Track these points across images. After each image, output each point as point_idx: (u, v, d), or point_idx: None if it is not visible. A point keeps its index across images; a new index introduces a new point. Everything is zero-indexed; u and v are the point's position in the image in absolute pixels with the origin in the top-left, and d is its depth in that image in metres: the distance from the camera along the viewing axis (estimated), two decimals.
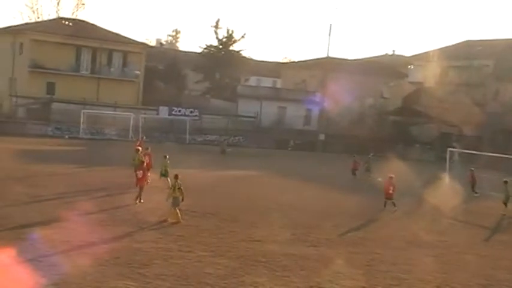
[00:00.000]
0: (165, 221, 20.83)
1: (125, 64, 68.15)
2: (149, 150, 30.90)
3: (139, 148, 29.97)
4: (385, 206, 27.49)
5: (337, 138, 62.80)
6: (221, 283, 14.49)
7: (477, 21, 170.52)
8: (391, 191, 27.39)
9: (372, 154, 42.86)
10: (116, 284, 13.81)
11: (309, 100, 67.78)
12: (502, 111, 60.08)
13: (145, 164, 27.05)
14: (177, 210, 21.07)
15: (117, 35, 69.42)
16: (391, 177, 27.84)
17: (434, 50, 75.72)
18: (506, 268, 18.60)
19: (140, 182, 24.59)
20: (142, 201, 23.88)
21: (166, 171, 28.44)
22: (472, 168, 35.86)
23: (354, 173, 40.06)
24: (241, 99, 69.25)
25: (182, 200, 21.42)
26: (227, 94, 74.00)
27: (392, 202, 27.40)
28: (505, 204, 29.31)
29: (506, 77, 64.82)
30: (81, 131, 57.11)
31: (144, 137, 35.71)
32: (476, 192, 34.57)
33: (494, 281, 16.85)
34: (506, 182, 29.89)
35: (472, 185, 35.24)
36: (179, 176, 21.68)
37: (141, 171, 24.85)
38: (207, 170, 37.31)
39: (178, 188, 21.32)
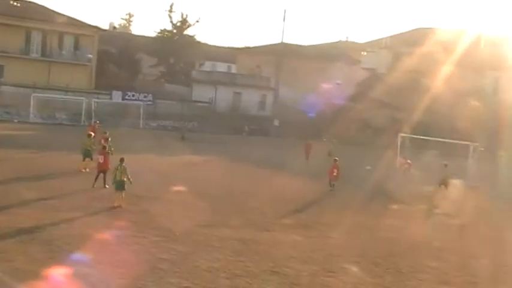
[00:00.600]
0: (114, 207, 20.57)
1: (76, 47, 67.00)
2: (107, 134, 30.58)
3: (92, 133, 29.54)
4: (330, 185, 29.26)
5: (291, 123, 63.09)
6: (175, 268, 14.47)
7: (428, 10, 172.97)
8: (335, 173, 29.17)
9: (334, 139, 43.60)
10: (69, 270, 13.66)
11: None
12: (451, 98, 61.19)
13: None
14: (122, 195, 20.81)
15: (68, 17, 68.05)
16: (335, 160, 29.79)
17: (386, 37, 76.56)
18: (454, 249, 19.03)
19: (103, 167, 24.19)
20: (107, 186, 23.41)
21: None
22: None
23: (307, 157, 40.58)
24: (196, 85, 68.98)
25: (130, 182, 21.10)
26: (181, 79, 73.62)
27: (333, 184, 29.21)
28: (443, 186, 30.35)
29: (456, 63, 65.99)
30: (31, 115, 55.97)
31: (98, 122, 35.17)
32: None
33: (440, 263, 17.22)
34: (445, 166, 31.24)
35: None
36: (124, 160, 21.43)
37: (102, 156, 24.56)
38: (162, 155, 37.09)
39: (123, 172, 20.96)
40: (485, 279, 16.13)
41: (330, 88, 69.94)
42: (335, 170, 29.22)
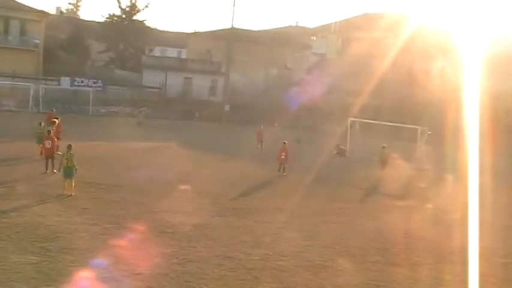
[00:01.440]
0: (63, 194, 20.29)
1: (23, 33, 65.48)
2: (59, 120, 30.47)
3: (56, 120, 29.25)
4: (279, 170, 29.37)
5: (242, 109, 63.16)
6: (127, 255, 14.45)
7: None
8: (283, 156, 29.42)
9: (301, 126, 43.57)
10: (18, 258, 13.52)
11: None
12: (399, 82, 62.24)
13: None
14: (72, 182, 20.53)
15: (13, 1, 66.41)
16: (284, 143, 30.01)
17: (335, 22, 77.14)
18: (402, 231, 19.50)
19: (49, 152, 24.27)
20: (55, 171, 23.33)
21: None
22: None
23: (259, 143, 39.77)
24: (146, 70, 68.34)
25: (76, 171, 20.78)
26: (131, 65, 72.80)
27: (283, 167, 29.43)
28: (382, 167, 31.70)
29: (404, 48, 67.05)
30: None
31: (54, 110, 34.65)
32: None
33: (390, 245, 17.65)
34: (384, 148, 32.56)
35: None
36: (72, 147, 21.24)
37: (49, 141, 24.55)
38: (113, 142, 36.74)
39: (69, 159, 20.66)
40: (431, 259, 16.57)
41: (281, 73, 70.34)
42: (283, 153, 29.41)
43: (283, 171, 29.42)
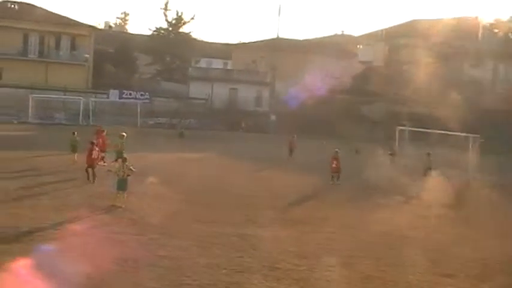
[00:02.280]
0: (113, 206, 20.46)
1: (73, 47, 67.10)
2: (104, 132, 31.08)
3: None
4: (332, 180, 29.01)
5: (288, 118, 63.05)
6: (174, 265, 14.52)
7: (423, 1, 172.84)
8: (334, 165, 28.97)
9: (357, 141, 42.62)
10: (66, 268, 13.71)
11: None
12: (449, 89, 61.25)
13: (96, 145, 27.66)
14: (124, 195, 20.71)
15: (65, 17, 68.20)
16: (336, 152, 29.59)
17: (382, 30, 76.57)
18: (454, 243, 19.09)
19: (90, 161, 25.03)
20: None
21: (120, 152, 28.26)
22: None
23: (290, 153, 39.38)
24: (192, 82, 69.04)
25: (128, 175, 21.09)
26: (178, 76, 73.69)
27: (337, 175, 28.99)
28: (426, 174, 31.26)
29: (452, 54, 66.07)
30: (30, 115, 56.07)
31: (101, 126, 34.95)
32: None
33: (442, 255, 17.28)
34: (428, 155, 32.18)
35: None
36: (127, 159, 21.47)
37: (91, 151, 25.29)
38: (160, 153, 37.14)
39: (126, 172, 20.87)
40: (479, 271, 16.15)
41: (315, 80, 69.93)
42: (334, 162, 29.05)
43: (337, 180, 29.05)
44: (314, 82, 67.69)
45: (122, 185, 20.76)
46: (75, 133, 31.56)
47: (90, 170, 24.86)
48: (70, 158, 29.70)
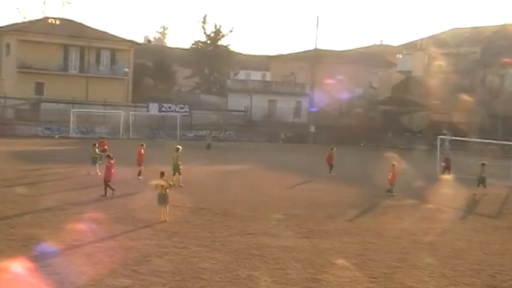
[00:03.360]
0: (164, 221, 20.33)
1: (113, 62, 68.09)
2: (143, 146, 31.43)
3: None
4: (388, 191, 28.97)
5: (328, 129, 62.92)
6: (216, 278, 14.55)
7: (463, 9, 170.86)
8: (390, 177, 28.96)
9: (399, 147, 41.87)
10: (111, 282, 13.84)
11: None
12: (490, 97, 60.37)
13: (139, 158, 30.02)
14: (166, 209, 20.68)
15: (104, 33, 69.31)
16: (393, 165, 29.41)
17: (421, 39, 75.89)
18: (497, 253, 18.76)
19: (106, 175, 25.10)
20: (109, 195, 24.60)
21: (177, 165, 28.73)
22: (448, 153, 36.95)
23: (330, 168, 36.47)
24: (231, 94, 69.35)
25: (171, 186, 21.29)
26: (217, 89, 74.16)
27: (390, 188, 28.90)
28: (480, 185, 30.51)
29: (493, 63, 65.09)
30: (71, 130, 56.99)
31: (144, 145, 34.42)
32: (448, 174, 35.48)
33: (486, 266, 16.99)
34: (483, 165, 31.12)
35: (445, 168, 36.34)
36: (165, 174, 21.47)
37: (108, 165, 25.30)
38: (199, 165, 37.31)
39: (165, 186, 20.83)
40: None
41: (366, 92, 69.68)
42: (390, 174, 29.09)
43: (388, 192, 28.95)
44: (352, 92, 67.51)
45: (162, 199, 20.75)
46: (96, 144, 32.37)
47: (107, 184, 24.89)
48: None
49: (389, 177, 29.01)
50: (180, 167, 28.78)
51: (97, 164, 30.98)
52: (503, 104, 58.31)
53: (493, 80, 65.82)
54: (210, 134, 55.83)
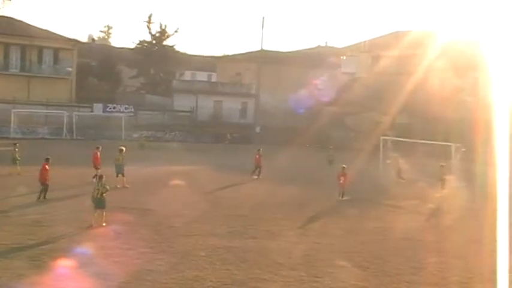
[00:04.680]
0: (99, 226, 19.61)
1: (56, 61, 66.81)
2: (99, 150, 31.08)
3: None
4: (340, 195, 28.21)
5: (274, 130, 63.26)
6: (162, 279, 14.50)
7: (405, 13, 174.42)
8: (341, 181, 28.09)
9: (331, 146, 41.99)
10: (55, 284, 13.65)
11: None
12: (430, 100, 61.71)
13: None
14: (103, 213, 19.86)
15: (47, 31, 67.88)
16: (343, 168, 28.59)
17: (365, 41, 77.06)
18: (437, 251, 19.21)
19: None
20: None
21: (121, 165, 28.61)
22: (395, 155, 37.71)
23: (256, 169, 34.91)
24: (177, 94, 69.04)
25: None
26: (162, 89, 73.65)
27: (343, 192, 28.22)
28: (441, 186, 31.34)
29: (433, 66, 66.60)
30: (11, 130, 55.68)
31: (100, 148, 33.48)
32: (403, 179, 35.92)
33: (426, 264, 17.39)
34: (442, 166, 31.94)
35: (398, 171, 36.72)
36: (103, 178, 20.68)
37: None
38: (144, 166, 37.00)
39: (101, 190, 20.06)
40: (468, 278, 16.26)
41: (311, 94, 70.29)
42: (342, 178, 28.12)
43: (343, 196, 28.16)
44: (297, 94, 68.00)
45: (98, 204, 19.93)
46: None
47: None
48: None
49: (341, 181, 28.17)
50: (124, 168, 28.58)
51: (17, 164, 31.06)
52: (445, 106, 59.70)
53: (433, 83, 67.37)
54: (143, 135, 55.97)
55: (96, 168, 29.28)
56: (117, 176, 28.28)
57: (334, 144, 51.70)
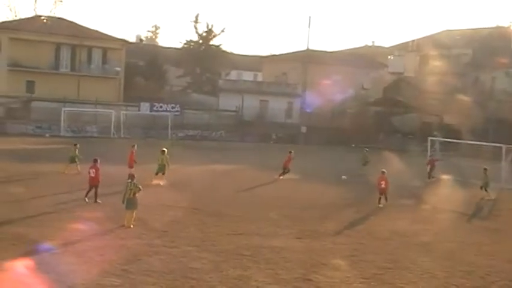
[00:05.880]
0: (128, 227, 19.28)
1: (104, 61, 67.75)
2: (135, 147, 31.29)
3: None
4: (379, 202, 26.54)
5: (319, 130, 62.94)
6: (206, 277, 14.52)
7: (455, 11, 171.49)
8: (383, 185, 26.60)
9: (366, 149, 41.10)
10: (101, 281, 13.79)
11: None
12: (481, 100, 60.55)
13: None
14: (133, 214, 19.61)
15: (96, 31, 68.99)
16: (383, 172, 27.13)
17: (413, 40, 76.10)
18: (488, 254, 18.82)
19: (94, 181, 23.43)
20: (99, 201, 23.08)
21: (163, 166, 29.13)
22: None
23: (284, 171, 34.13)
24: (223, 94, 69.21)
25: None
26: (208, 89, 73.92)
27: (385, 197, 26.60)
28: (484, 189, 30.59)
29: (484, 65, 65.32)
30: (62, 129, 56.77)
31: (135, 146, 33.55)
32: (432, 177, 35.68)
33: (476, 267, 17.03)
34: (485, 170, 31.02)
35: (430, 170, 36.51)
36: (135, 177, 20.29)
37: (93, 170, 23.62)
38: (190, 165, 37.24)
39: (134, 190, 19.80)
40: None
41: (357, 94, 69.75)
42: (382, 182, 26.64)
43: (384, 201, 26.51)
44: (344, 93, 67.55)
45: (130, 205, 19.67)
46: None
47: (93, 189, 23.37)
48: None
49: (382, 186, 26.62)
50: (167, 167, 29.09)
51: (76, 163, 30.96)
52: (495, 106, 58.53)
53: (484, 82, 66.11)
54: (173, 135, 56.24)
55: (131, 167, 29.21)
56: (156, 174, 28.91)
57: (381, 145, 51.14)
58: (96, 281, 13.74)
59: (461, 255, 18.46)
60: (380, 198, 26.60)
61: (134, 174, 20.78)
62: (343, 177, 34.70)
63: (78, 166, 30.53)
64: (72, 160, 31.27)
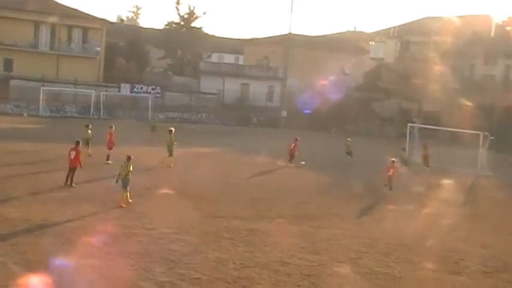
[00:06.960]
0: (120, 206, 19.60)
1: (85, 40, 67.02)
2: (113, 128, 30.86)
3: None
4: (389, 188, 26.71)
5: (300, 114, 63.02)
6: (185, 259, 14.58)
7: None
8: (390, 173, 26.71)
9: (348, 139, 40.65)
10: (79, 262, 13.80)
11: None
12: (460, 87, 60.98)
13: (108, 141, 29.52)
14: (127, 193, 20.02)
15: (76, 10, 68.11)
16: (393, 161, 27.36)
17: (394, 26, 76.25)
18: (463, 239, 19.09)
19: (74, 163, 23.00)
20: (74, 185, 22.58)
21: (172, 146, 29.56)
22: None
23: (291, 158, 34.18)
24: (204, 76, 68.93)
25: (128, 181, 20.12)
26: (189, 71, 73.56)
27: (390, 186, 26.80)
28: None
29: (464, 52, 65.71)
30: (40, 108, 56.24)
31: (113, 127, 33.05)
32: (428, 166, 35.68)
33: (451, 252, 17.28)
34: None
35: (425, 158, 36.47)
36: (131, 158, 20.35)
37: (74, 152, 23.18)
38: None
39: (128, 169, 20.04)
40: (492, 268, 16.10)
41: (338, 79, 69.83)
42: (391, 170, 26.74)
43: (389, 189, 26.71)
44: (325, 78, 67.60)
45: (124, 184, 20.05)
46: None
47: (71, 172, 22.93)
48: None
49: (390, 173, 26.70)
50: (174, 148, 29.54)
51: (89, 145, 29.98)
52: (473, 93, 58.98)
53: (463, 69, 66.56)
54: (154, 117, 55.90)
55: (109, 149, 29.27)
56: (170, 156, 29.44)
57: (360, 130, 51.30)
58: (75, 262, 13.74)
59: (435, 240, 18.70)
60: (387, 185, 26.72)
61: (131, 155, 20.61)
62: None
63: (90, 149, 29.75)
64: (87, 142, 30.18)
